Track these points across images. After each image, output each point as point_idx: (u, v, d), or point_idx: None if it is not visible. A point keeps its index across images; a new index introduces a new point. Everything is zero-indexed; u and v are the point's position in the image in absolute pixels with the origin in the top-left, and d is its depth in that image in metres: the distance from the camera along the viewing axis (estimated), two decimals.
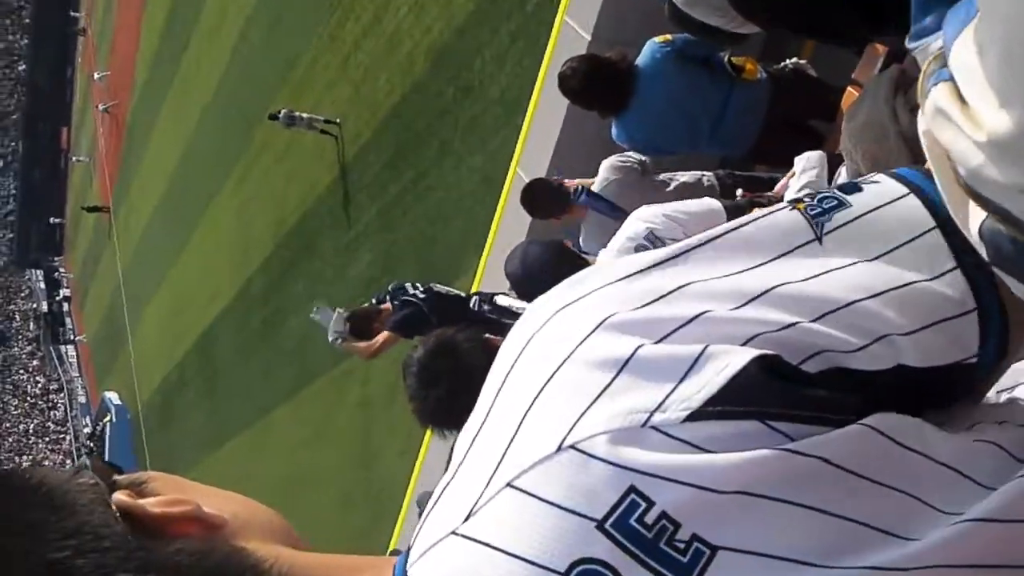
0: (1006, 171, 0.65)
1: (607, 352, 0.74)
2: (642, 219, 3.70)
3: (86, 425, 54.68)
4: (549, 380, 0.74)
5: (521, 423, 0.74)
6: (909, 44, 0.76)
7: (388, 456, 13.26)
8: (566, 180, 5.18)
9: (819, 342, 0.74)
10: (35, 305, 69.48)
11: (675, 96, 4.61)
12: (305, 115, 16.43)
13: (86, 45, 64.31)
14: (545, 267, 3.94)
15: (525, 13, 10.02)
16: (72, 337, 64.35)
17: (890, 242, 0.80)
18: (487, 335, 2.70)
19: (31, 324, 69.86)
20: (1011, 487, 0.71)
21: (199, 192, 27.28)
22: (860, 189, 0.84)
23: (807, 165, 4.12)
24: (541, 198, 5.12)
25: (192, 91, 29.05)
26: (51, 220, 69.63)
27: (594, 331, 0.75)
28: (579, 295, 0.80)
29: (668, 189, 4.81)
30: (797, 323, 0.74)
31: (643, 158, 5.02)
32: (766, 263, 0.79)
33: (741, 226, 0.82)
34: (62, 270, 70.24)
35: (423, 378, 2.55)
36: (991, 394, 0.91)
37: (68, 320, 66.54)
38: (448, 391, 2.50)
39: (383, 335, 5.76)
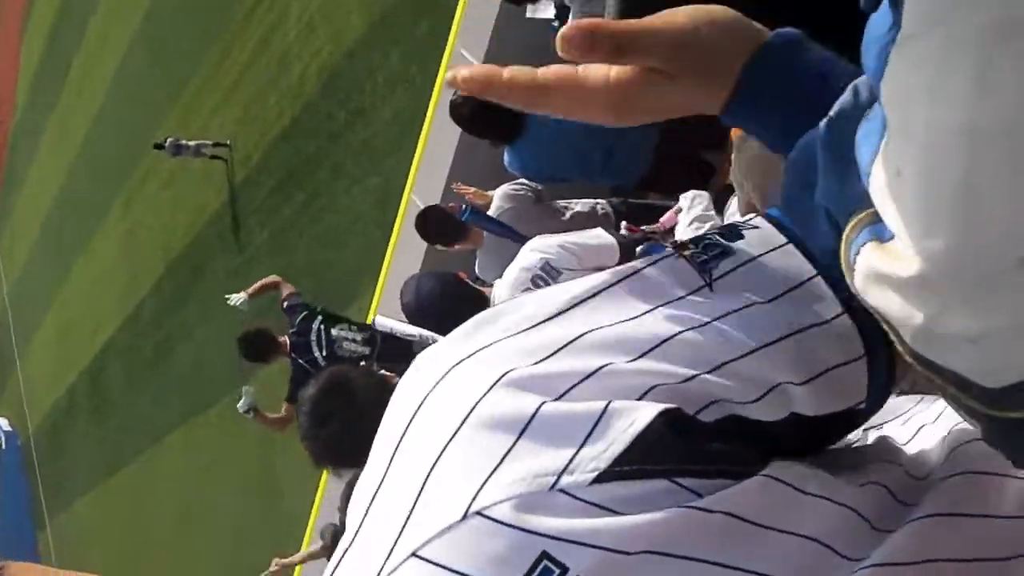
0: (949, 318, 0.61)
1: (507, 411, 0.71)
2: (537, 250, 3.72)
3: None
4: (449, 442, 0.71)
5: (422, 488, 0.71)
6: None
7: (289, 485, 13.10)
8: (461, 186, 5.18)
9: (716, 392, 0.73)
10: None
11: (565, 127, 4.61)
12: (192, 142, 16.14)
13: None
14: (439, 300, 3.91)
15: (415, 38, 10.01)
16: None
17: (776, 288, 0.80)
18: (383, 371, 2.66)
19: None
20: (908, 529, 0.71)
21: (86, 215, 26.68)
22: (741, 235, 0.83)
23: (693, 200, 4.19)
24: (436, 225, 5.10)
25: (75, 115, 28.42)
26: None
27: (492, 388, 0.72)
28: (473, 349, 0.77)
29: (564, 218, 4.82)
30: (695, 375, 0.73)
31: (537, 185, 5.03)
32: (659, 307, 0.78)
33: (632, 273, 0.81)
34: None
35: (315, 416, 2.50)
36: (860, 431, 0.92)
37: None
38: (340, 429, 2.45)
39: (287, 407, 5.94)
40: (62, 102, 30.91)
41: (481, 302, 3.78)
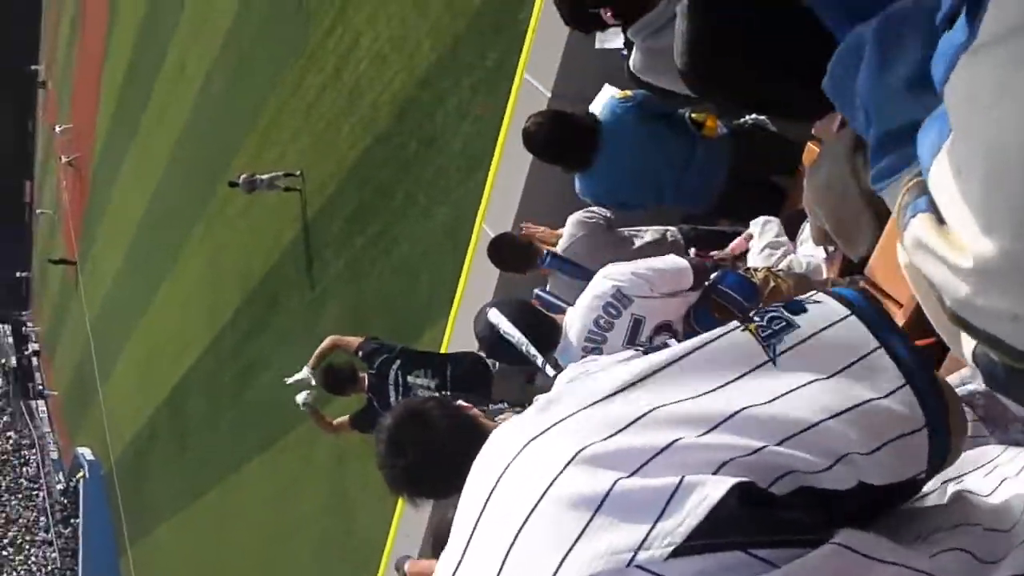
0: (993, 299, 0.64)
1: (583, 488, 0.72)
2: (609, 277, 3.70)
3: (59, 481, 53.92)
4: (527, 520, 0.73)
5: (502, 566, 0.73)
6: (873, 185, 0.75)
7: (366, 506, 13.13)
8: (530, 226, 5.19)
9: (787, 464, 0.75)
10: (3, 360, 68.69)
11: (638, 152, 4.63)
12: (264, 176, 16.38)
13: (47, 98, 64.06)
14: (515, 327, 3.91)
15: (485, 67, 10.06)
16: (42, 391, 63.60)
17: (839, 362, 0.81)
18: (462, 403, 2.67)
19: (0, 379, 69.09)
20: None
21: (166, 244, 27.15)
22: (805, 309, 0.86)
23: (764, 227, 4.15)
24: (507, 253, 5.12)
25: (155, 143, 28.98)
26: (17, 274, 69.07)
27: (567, 465, 0.74)
28: (547, 425, 0.79)
29: (634, 246, 4.81)
30: (764, 447, 0.75)
31: (608, 213, 5.03)
32: (727, 384, 0.80)
33: (699, 347, 0.83)
34: (30, 324, 69.56)
35: (392, 446, 2.52)
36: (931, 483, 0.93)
37: (37, 375, 65.77)
38: (415, 462, 2.47)
39: (346, 424, 6.11)
40: (142, 132, 31.56)
41: (555, 330, 3.77)
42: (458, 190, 10.61)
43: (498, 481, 0.78)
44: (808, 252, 3.96)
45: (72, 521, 49.58)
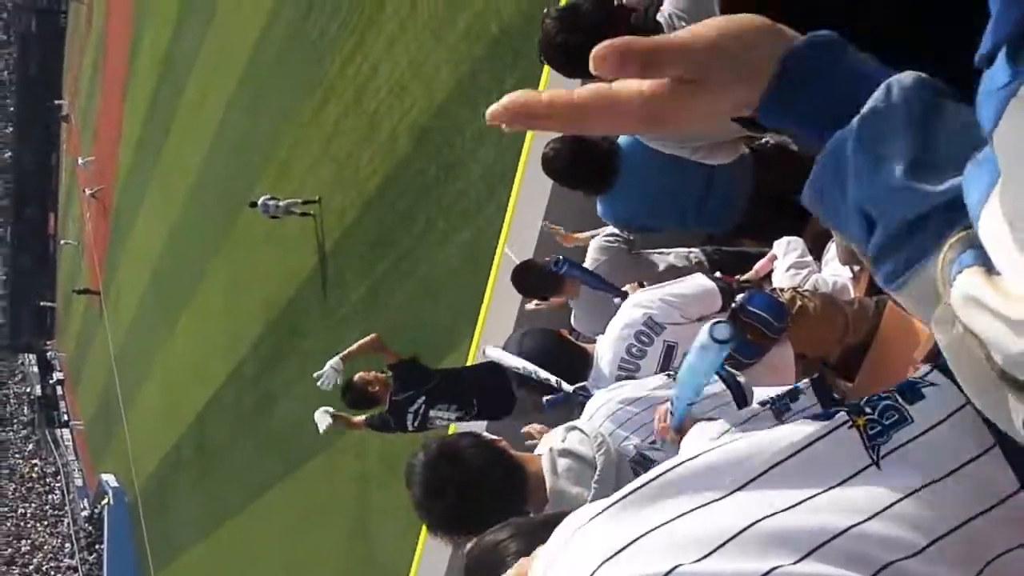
0: None
1: None
2: (639, 305, 3.66)
3: (84, 508, 54.14)
4: None
5: None
6: (886, 287, 0.73)
7: (389, 532, 13.11)
8: (552, 225, 5.20)
9: None
10: (29, 389, 69.11)
11: (659, 175, 4.60)
12: (282, 202, 16.49)
13: (70, 131, 64.73)
14: (543, 358, 3.88)
15: (504, 91, 10.04)
16: (67, 420, 63.98)
17: (953, 461, 0.77)
18: (489, 436, 2.65)
19: (25, 408, 69.45)
20: None
21: (187, 274, 27.29)
22: (922, 395, 0.81)
23: (789, 247, 4.12)
24: (532, 280, 5.11)
25: (176, 174, 29.18)
26: (42, 303, 69.60)
27: None
28: (625, 541, 0.75)
29: (659, 269, 4.78)
30: None
31: (629, 235, 5.01)
32: (828, 490, 0.76)
33: (803, 447, 0.79)
34: (55, 353, 70.02)
35: (428, 488, 2.47)
36: None
37: (62, 403, 66.18)
38: (456, 500, 2.43)
39: (360, 421, 6.22)
40: (163, 163, 31.80)
41: (585, 360, 3.73)
42: (479, 215, 10.62)
43: None
44: (834, 272, 3.93)
45: (97, 547, 49.72)
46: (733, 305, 3.62)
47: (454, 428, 6.00)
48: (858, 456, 0.78)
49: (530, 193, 6.33)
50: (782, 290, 3.67)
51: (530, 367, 3.52)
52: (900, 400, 0.81)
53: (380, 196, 13.90)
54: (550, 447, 2.50)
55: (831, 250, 3.97)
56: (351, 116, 14.95)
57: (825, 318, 3.51)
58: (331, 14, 15.92)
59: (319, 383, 6.16)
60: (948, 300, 0.67)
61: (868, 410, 0.80)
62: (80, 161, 53.30)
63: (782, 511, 0.75)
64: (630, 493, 0.80)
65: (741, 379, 2.46)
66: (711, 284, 3.69)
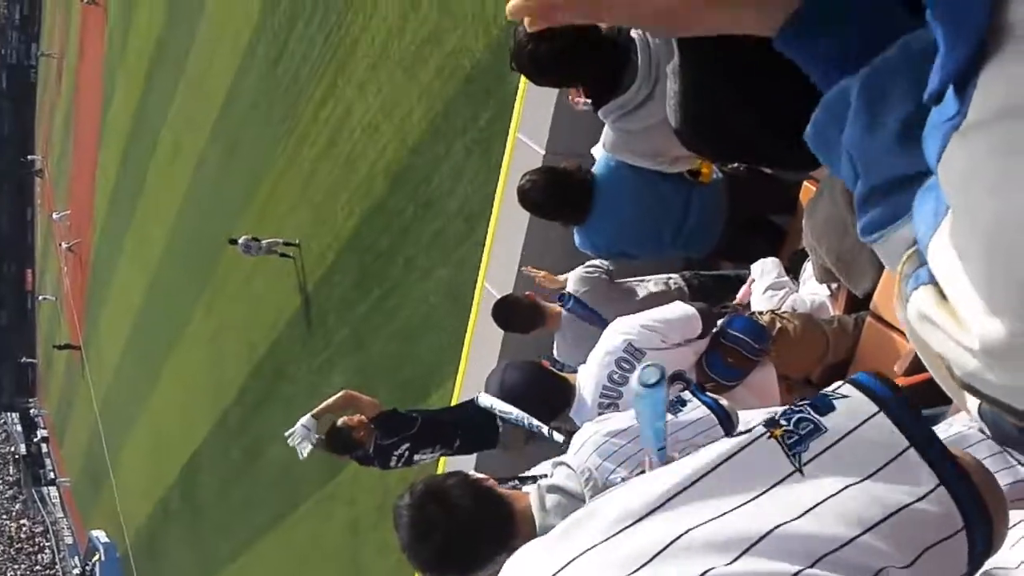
0: (1004, 376, 0.63)
1: None
2: (620, 332, 3.67)
3: (75, 566, 53.59)
4: None
5: None
6: (863, 238, 0.74)
7: (382, 574, 13.05)
8: (531, 269, 5.21)
9: None
10: (13, 448, 68.52)
11: (635, 203, 4.62)
12: (264, 241, 16.54)
13: (44, 186, 64.58)
14: (526, 390, 3.89)
15: (478, 127, 10.14)
16: (53, 478, 63.44)
17: (870, 464, 0.79)
18: (475, 475, 2.65)
19: (10, 467, 68.85)
20: None
21: (169, 323, 27.24)
22: (833, 407, 0.83)
23: (764, 269, 4.15)
24: (511, 315, 5.10)
25: (153, 223, 29.18)
26: (22, 360, 69.15)
27: None
28: (567, 558, 0.76)
29: (638, 297, 4.80)
30: (801, 571, 0.73)
31: (608, 265, 5.03)
32: (756, 498, 0.78)
33: (725, 459, 0.81)
34: (38, 410, 69.51)
35: (416, 531, 2.47)
36: None
37: (48, 461, 65.64)
38: (443, 541, 2.43)
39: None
40: (139, 213, 31.83)
41: (567, 390, 3.74)
42: (458, 251, 10.65)
43: None
44: (811, 291, 3.96)
45: None
46: (714, 330, 3.65)
47: (444, 461, 5.99)
48: (781, 464, 0.80)
49: (508, 227, 6.34)
50: (761, 313, 3.69)
51: (522, 416, 3.53)
52: (812, 412, 0.83)
53: (359, 237, 13.94)
54: (539, 484, 2.51)
55: (808, 269, 4.00)
56: (326, 159, 15.01)
57: (805, 339, 3.54)
58: (301, 59, 16.02)
59: (291, 443, 5.98)
60: (904, 316, 0.69)
61: (783, 422, 0.82)
62: (55, 215, 53.17)
63: (712, 519, 0.76)
64: (559, 527, 0.82)
65: (724, 403, 2.47)
66: (691, 309, 3.71)
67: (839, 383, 0.87)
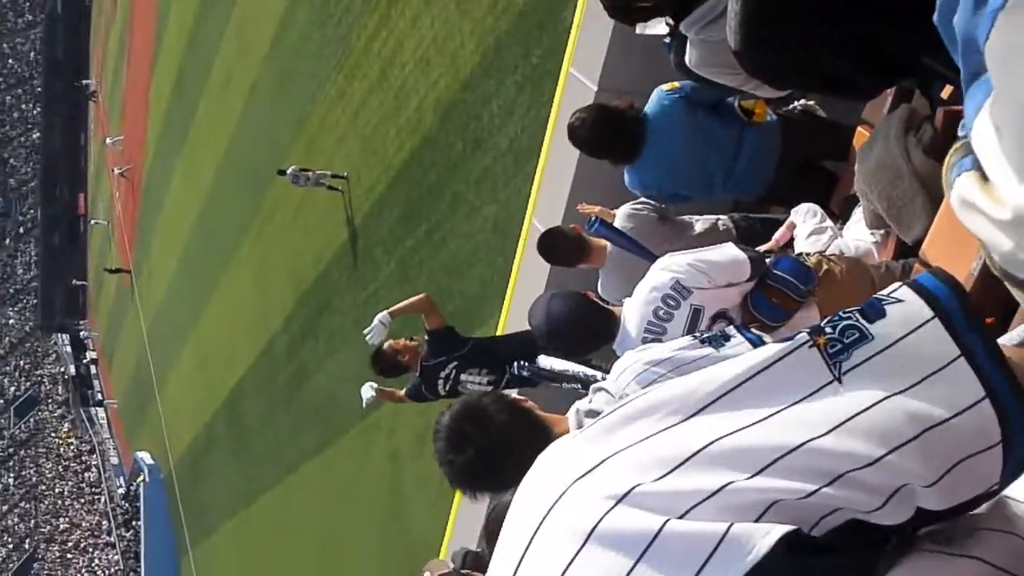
0: None
1: (629, 531, 0.73)
2: (667, 269, 3.66)
3: (120, 485, 54.80)
4: (572, 560, 0.74)
5: None
6: (961, 132, 0.75)
7: (421, 506, 13.21)
8: (585, 206, 5.19)
9: (838, 502, 0.74)
10: (63, 369, 69.75)
11: (686, 143, 4.60)
12: (312, 172, 16.57)
13: (97, 111, 64.96)
14: (570, 321, 3.92)
15: (530, 64, 10.07)
16: (101, 399, 64.57)
17: (916, 374, 0.77)
18: (515, 396, 2.70)
19: (60, 388, 70.14)
20: None
21: (218, 250, 27.45)
22: (884, 313, 0.81)
23: (805, 215, 4.13)
24: (558, 247, 5.10)
25: (204, 151, 29.29)
26: (73, 282, 70.07)
27: (616, 505, 0.74)
28: (599, 459, 0.78)
29: (691, 233, 4.77)
30: (816, 490, 0.74)
31: (659, 204, 5.01)
32: (786, 408, 0.78)
33: (765, 367, 0.81)
34: (87, 332, 70.57)
35: (450, 443, 2.54)
36: None
37: (96, 382, 66.78)
38: (476, 455, 2.49)
39: (402, 395, 6.25)
40: (191, 141, 31.94)
41: (611, 322, 3.75)
42: (506, 188, 10.64)
43: (544, 518, 0.78)
44: (855, 236, 3.93)
45: (134, 524, 50.34)
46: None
47: None
48: (819, 373, 0.79)
49: (558, 164, 6.33)
50: (808, 254, 3.68)
51: (578, 368, 3.57)
52: (860, 319, 0.82)
53: (407, 171, 13.95)
54: (576, 408, 2.56)
55: (856, 214, 3.98)
56: (377, 92, 14.97)
57: (851, 281, 3.53)
58: None
59: (367, 337, 6.15)
60: (949, 200, 0.71)
61: (828, 330, 0.82)
62: (108, 141, 53.52)
63: (739, 430, 0.77)
64: (596, 423, 0.83)
65: (768, 340, 2.49)
66: (741, 255, 3.69)
67: (897, 284, 0.85)
